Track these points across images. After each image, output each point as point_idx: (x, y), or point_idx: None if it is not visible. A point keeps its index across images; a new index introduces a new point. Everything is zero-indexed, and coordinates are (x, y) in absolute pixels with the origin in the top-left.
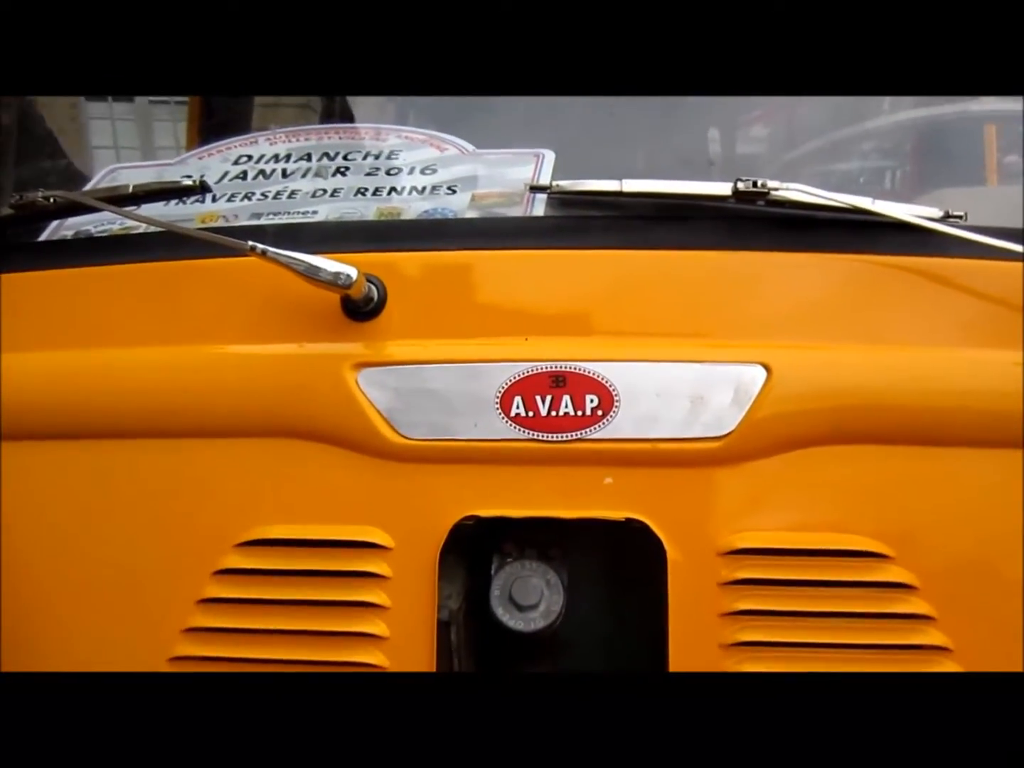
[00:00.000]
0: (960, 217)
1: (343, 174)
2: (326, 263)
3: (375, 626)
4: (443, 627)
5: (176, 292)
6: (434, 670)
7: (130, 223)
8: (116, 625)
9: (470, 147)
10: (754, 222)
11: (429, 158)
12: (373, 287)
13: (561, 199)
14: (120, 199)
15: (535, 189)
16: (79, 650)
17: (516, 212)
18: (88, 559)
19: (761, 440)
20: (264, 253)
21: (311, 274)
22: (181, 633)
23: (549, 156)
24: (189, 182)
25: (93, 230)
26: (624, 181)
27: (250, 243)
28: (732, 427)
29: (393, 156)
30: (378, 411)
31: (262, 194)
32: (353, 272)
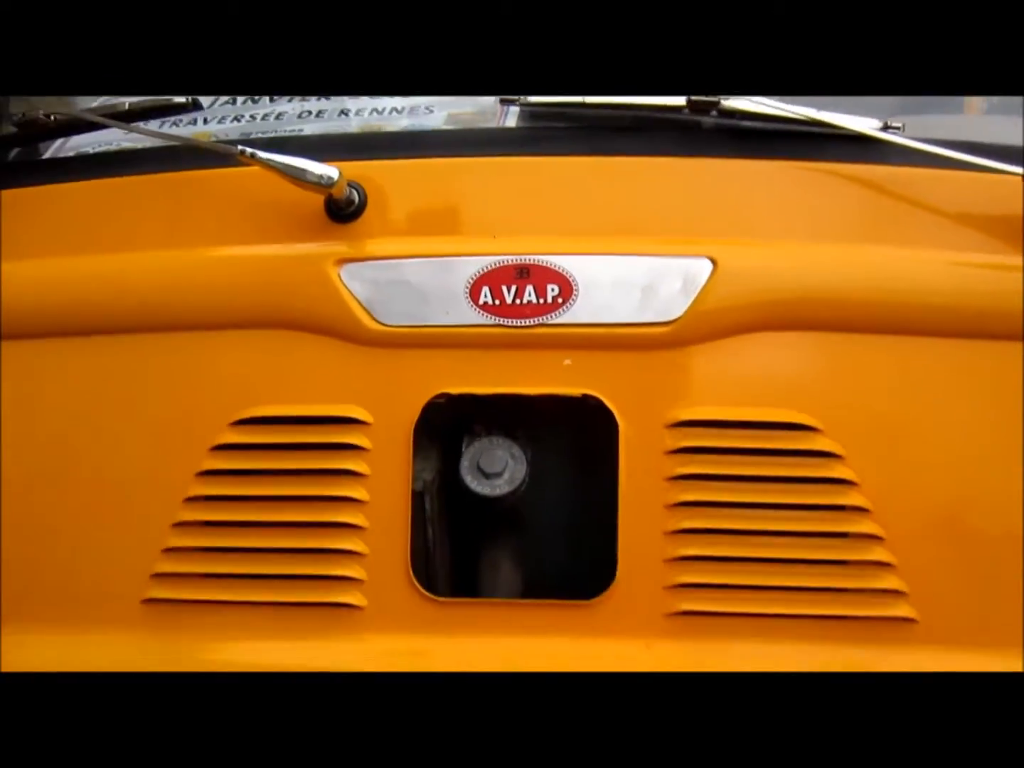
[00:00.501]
0: (899, 128)
1: (327, 97)
2: (310, 165)
3: (356, 492)
4: (417, 497)
5: (172, 201)
6: (408, 536)
7: (127, 144)
8: (120, 500)
9: None
10: (707, 132)
11: None
12: (354, 191)
13: (531, 113)
14: (118, 116)
15: (505, 101)
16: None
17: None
18: (88, 445)
19: (706, 326)
20: (253, 156)
21: (297, 176)
22: (183, 503)
23: None
24: (183, 100)
25: (91, 150)
26: (587, 97)
27: (239, 147)
28: (679, 314)
29: None
30: (358, 302)
31: (251, 116)
32: (335, 173)
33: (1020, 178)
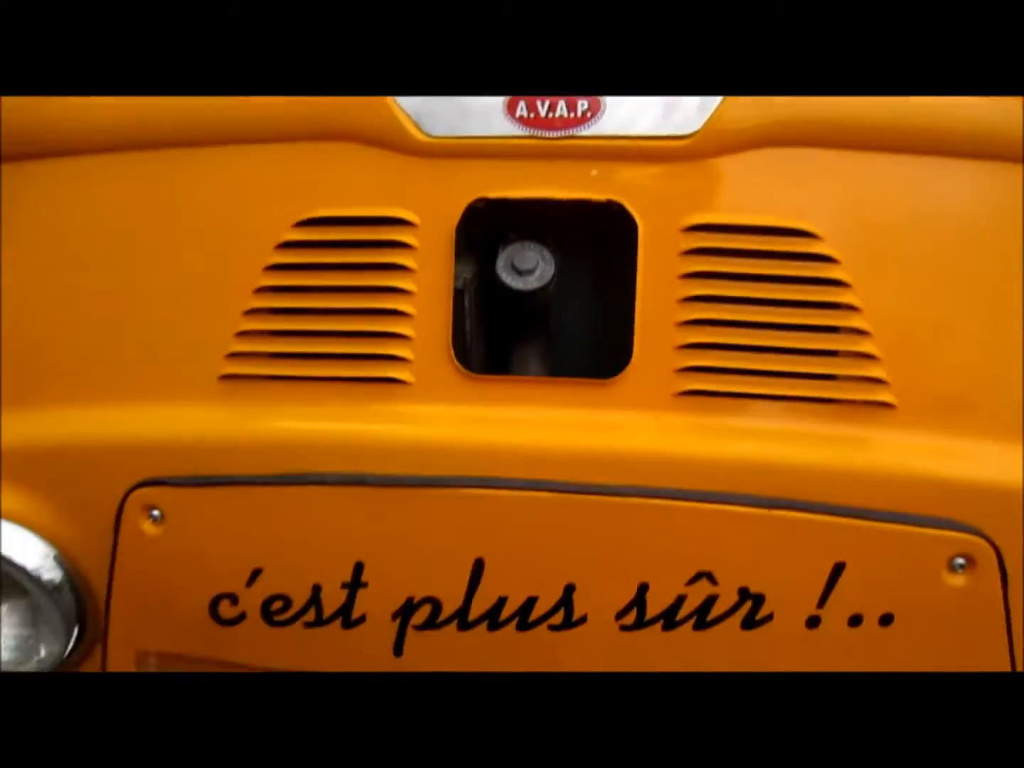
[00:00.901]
0: None
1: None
2: None
3: (406, 284)
4: (458, 294)
5: None
6: (450, 323)
7: None
8: (197, 291)
9: None
10: None
11: None
12: None
13: None
14: None
15: None
16: (165, 323)
17: None
18: (168, 245)
19: (720, 141)
20: None
21: None
22: (253, 293)
23: None
24: None
25: None
26: None
27: None
28: (696, 128)
29: None
30: (407, 115)
31: None
32: None
33: None
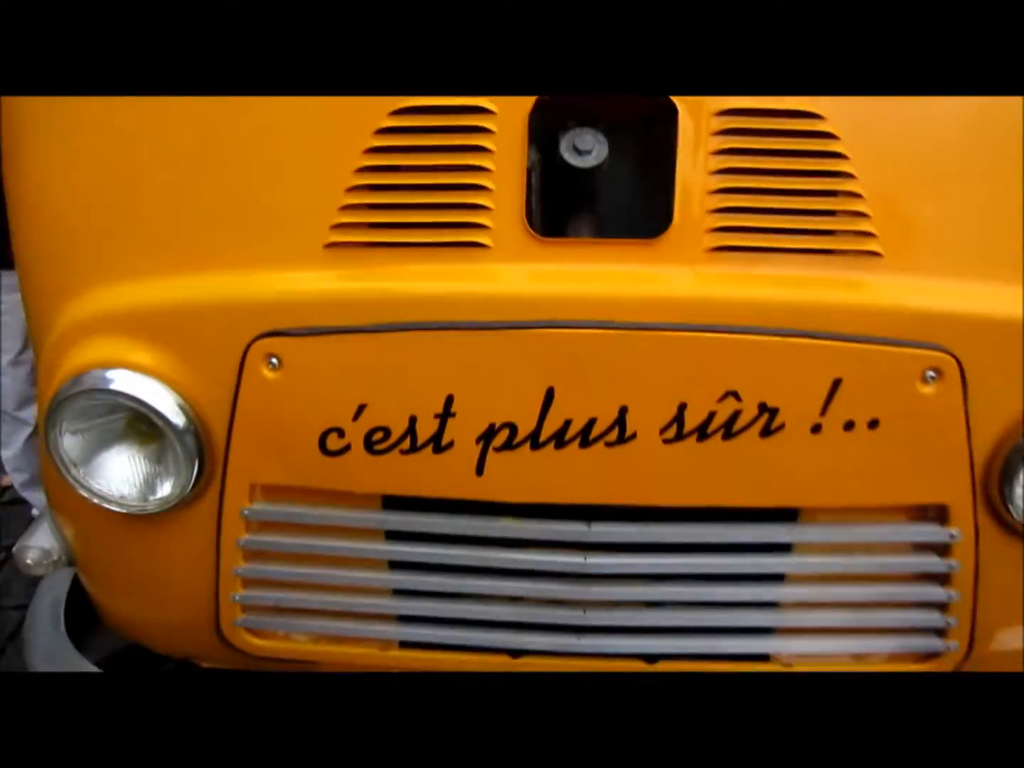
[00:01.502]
0: None
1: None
2: None
3: (486, 163)
4: (529, 172)
5: None
6: (523, 196)
7: None
8: (303, 168)
9: None
10: None
11: None
12: None
13: None
14: None
15: None
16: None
17: None
18: (264, 141)
19: None
20: None
21: None
22: (354, 172)
23: None
24: None
25: None
26: None
27: None
28: None
29: None
30: None
31: None
32: None
33: None
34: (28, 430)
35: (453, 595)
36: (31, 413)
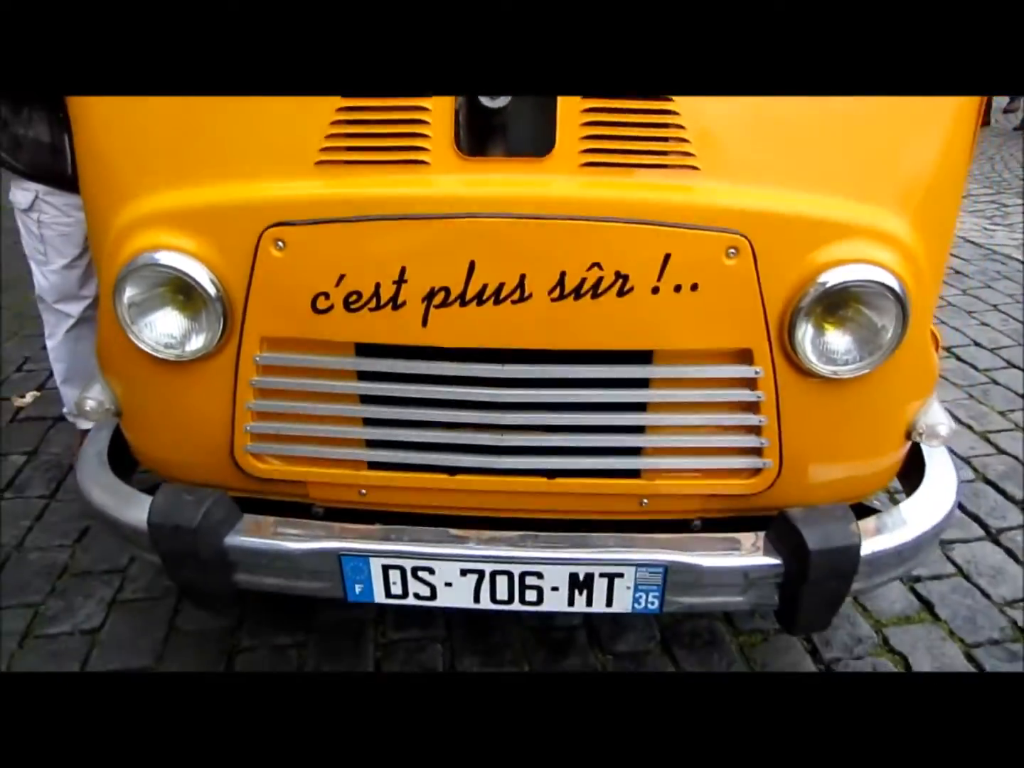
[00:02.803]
0: None
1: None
2: None
3: (428, 104)
4: (457, 112)
5: None
6: (454, 131)
7: None
8: (289, 115)
9: None
10: None
11: None
12: None
13: None
14: None
15: None
16: (273, 122)
17: None
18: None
19: None
20: None
21: None
22: (335, 111)
23: None
24: None
25: None
26: None
27: None
28: None
29: None
30: None
31: None
32: None
33: None
34: (70, 322)
35: (407, 423)
36: (72, 307)
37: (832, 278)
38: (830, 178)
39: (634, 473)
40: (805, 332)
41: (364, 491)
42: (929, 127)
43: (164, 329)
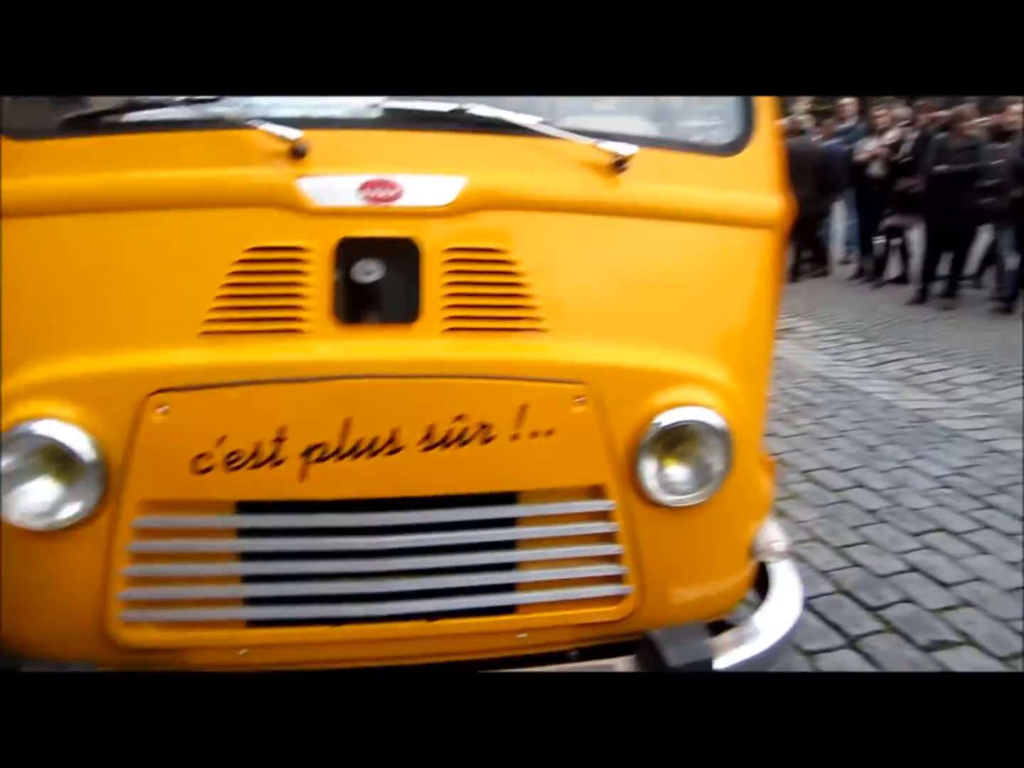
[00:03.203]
0: (549, 123)
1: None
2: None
3: (308, 280)
4: (336, 285)
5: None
6: (331, 303)
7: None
8: (171, 287)
9: None
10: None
11: None
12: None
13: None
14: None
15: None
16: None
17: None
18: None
19: (461, 206)
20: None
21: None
22: (219, 287)
23: None
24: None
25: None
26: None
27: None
28: (450, 200)
29: None
30: (303, 191)
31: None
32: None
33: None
34: None
35: (289, 577)
36: None
37: (666, 419)
38: (663, 335)
39: (510, 609)
40: (648, 467)
41: (245, 651)
42: (740, 292)
43: (37, 498)
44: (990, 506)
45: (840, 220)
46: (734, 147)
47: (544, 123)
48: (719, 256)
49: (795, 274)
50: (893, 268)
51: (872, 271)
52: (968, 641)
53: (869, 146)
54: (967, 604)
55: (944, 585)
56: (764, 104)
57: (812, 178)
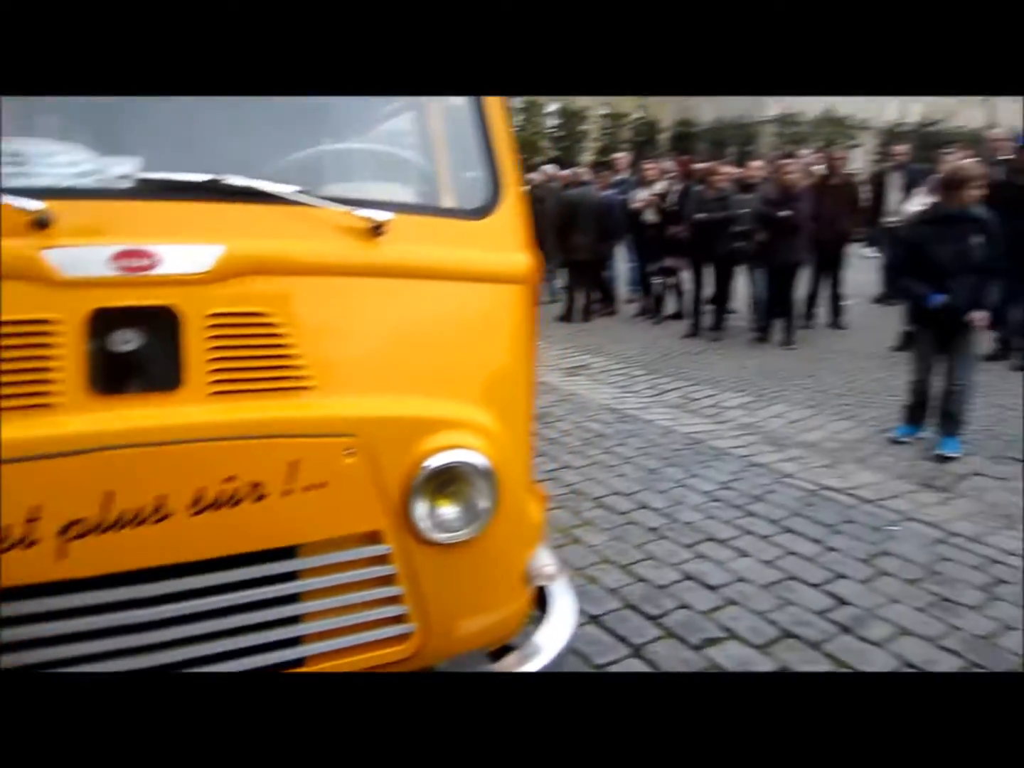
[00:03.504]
0: (307, 192)
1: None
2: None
3: (58, 352)
4: (93, 355)
5: None
6: (85, 373)
7: None
8: None
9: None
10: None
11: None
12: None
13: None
14: None
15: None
16: None
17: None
18: None
19: (218, 274)
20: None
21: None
22: None
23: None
24: None
25: None
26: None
27: None
28: (208, 268)
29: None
30: (48, 262)
31: None
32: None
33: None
34: None
35: (53, 663)
36: None
37: (434, 462)
38: (429, 384)
39: (299, 662)
40: (420, 508)
41: None
42: (498, 341)
43: None
44: (750, 513)
45: (623, 263)
46: (484, 211)
47: (301, 192)
48: (476, 310)
49: (587, 314)
50: (670, 305)
51: (653, 309)
52: (732, 636)
53: (641, 195)
54: (731, 603)
55: (712, 588)
56: (510, 172)
57: (594, 225)
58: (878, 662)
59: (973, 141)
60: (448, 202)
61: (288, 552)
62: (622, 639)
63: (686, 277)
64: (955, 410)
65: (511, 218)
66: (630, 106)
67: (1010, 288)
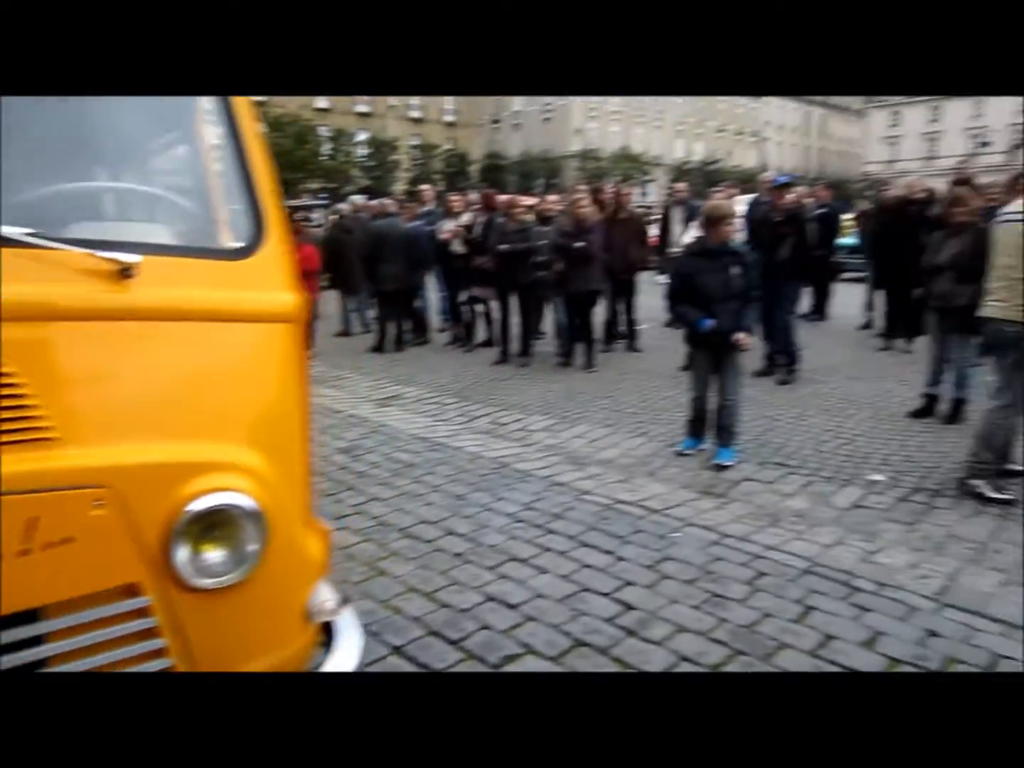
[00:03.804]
0: (40, 234)
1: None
2: None
3: None
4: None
5: None
6: None
7: None
8: None
9: None
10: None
11: None
12: None
13: None
14: None
15: None
16: None
17: None
18: None
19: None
20: None
21: None
22: None
23: None
24: None
25: None
26: None
27: None
28: None
29: None
30: None
31: None
32: None
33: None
34: None
35: None
36: None
37: (196, 506)
38: (192, 428)
39: None
40: (181, 555)
41: None
42: (265, 380)
43: None
44: (550, 531)
45: (434, 292)
46: (246, 251)
47: (34, 234)
48: (240, 350)
49: (399, 344)
50: (481, 333)
51: (464, 337)
52: (529, 650)
53: (447, 227)
54: (530, 619)
55: (512, 607)
56: (273, 209)
57: (402, 256)
58: (657, 661)
59: (743, 180)
60: (222, 241)
61: (30, 616)
62: (424, 666)
63: (494, 306)
64: (728, 423)
65: (275, 257)
66: (440, 137)
67: (765, 313)
